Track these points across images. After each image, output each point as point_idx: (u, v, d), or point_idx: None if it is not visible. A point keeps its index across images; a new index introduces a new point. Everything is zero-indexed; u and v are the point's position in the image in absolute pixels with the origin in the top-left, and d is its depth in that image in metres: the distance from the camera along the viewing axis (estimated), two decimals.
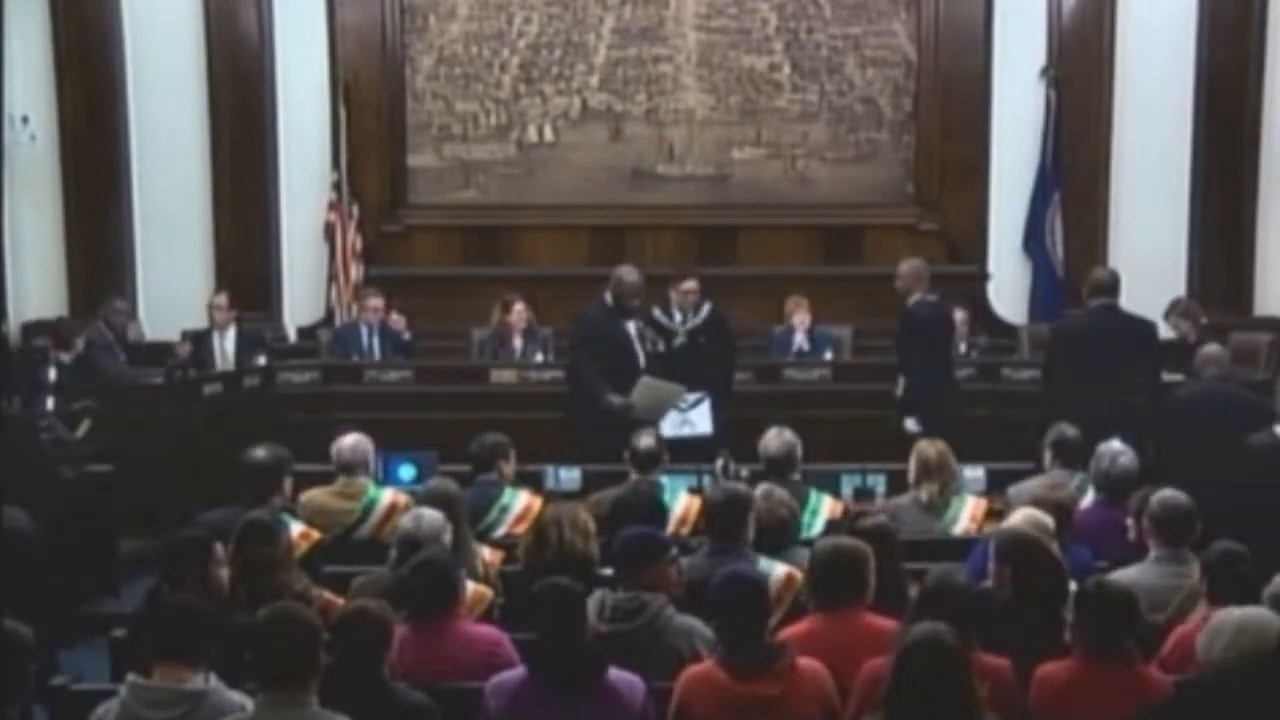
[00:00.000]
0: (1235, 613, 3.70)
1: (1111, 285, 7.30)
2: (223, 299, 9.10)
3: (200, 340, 9.10)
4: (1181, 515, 4.70)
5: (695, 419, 7.78)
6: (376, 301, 9.34)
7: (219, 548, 4.46)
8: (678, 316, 8.07)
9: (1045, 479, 5.42)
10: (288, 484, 5.45)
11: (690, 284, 8.09)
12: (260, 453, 5.38)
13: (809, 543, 5.17)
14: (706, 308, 8.10)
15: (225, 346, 9.01)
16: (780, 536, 4.99)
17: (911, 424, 7.54)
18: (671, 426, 7.59)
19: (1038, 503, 4.90)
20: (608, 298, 7.74)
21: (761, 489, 5.17)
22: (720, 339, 8.12)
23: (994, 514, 5.75)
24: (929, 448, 5.87)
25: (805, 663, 3.91)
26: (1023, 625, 4.16)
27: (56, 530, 6.53)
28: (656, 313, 8.09)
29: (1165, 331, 8.51)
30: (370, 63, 10.21)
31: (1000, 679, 3.80)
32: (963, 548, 5.21)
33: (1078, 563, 4.76)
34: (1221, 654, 3.60)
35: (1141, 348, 7.15)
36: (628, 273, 7.79)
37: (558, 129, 10.36)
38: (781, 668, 3.86)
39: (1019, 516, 4.70)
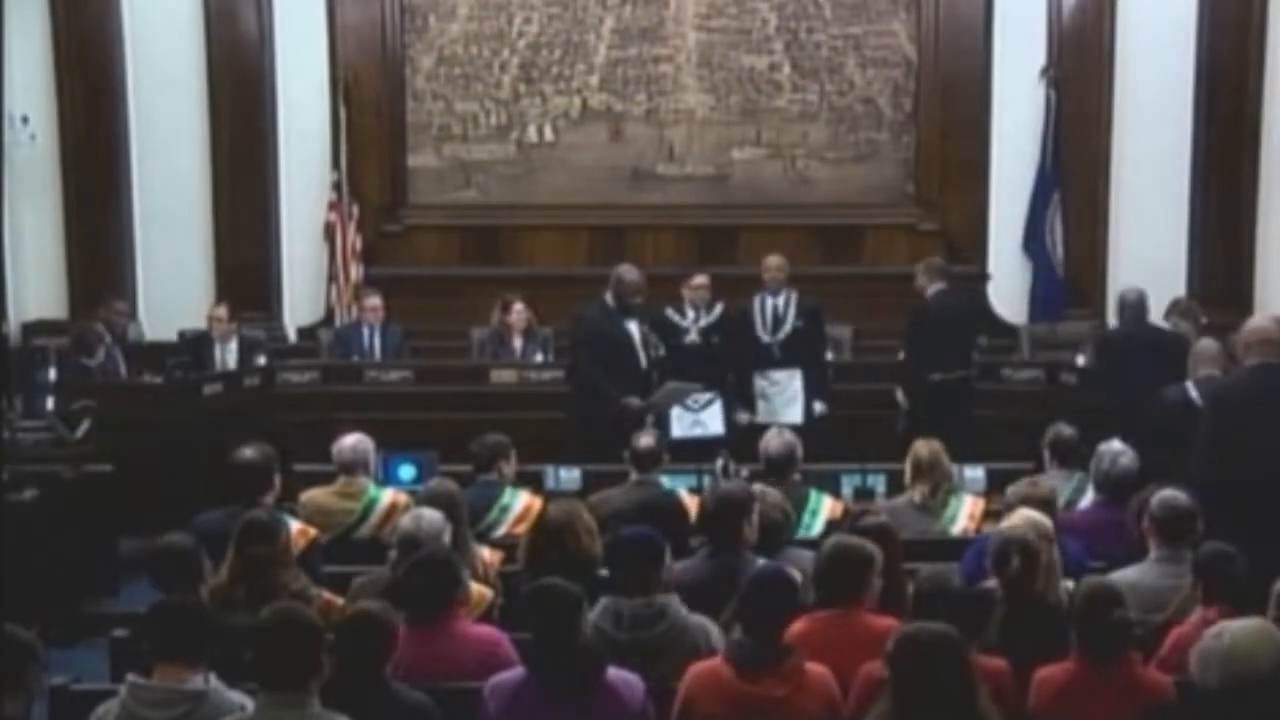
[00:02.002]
0: (1225, 637, 3.56)
1: (943, 270, 8.38)
2: (223, 311, 9.07)
3: (198, 343, 9.09)
4: (1182, 515, 4.70)
5: (706, 419, 7.82)
6: (375, 301, 9.35)
7: (206, 561, 4.50)
8: (690, 315, 8.10)
9: (1028, 478, 5.40)
10: (278, 482, 5.44)
11: (701, 279, 8.16)
12: (249, 452, 5.38)
13: (808, 543, 5.19)
14: (719, 308, 8.15)
15: (226, 358, 9.00)
16: (774, 539, 4.98)
17: (821, 407, 8.08)
18: (682, 427, 7.63)
19: (1027, 501, 4.91)
20: (609, 298, 7.76)
21: (754, 490, 5.16)
22: (734, 338, 8.16)
23: (992, 514, 5.75)
24: (923, 448, 5.88)
25: (812, 666, 3.90)
26: (1021, 627, 4.17)
27: (56, 530, 6.57)
28: (669, 312, 8.11)
29: None
30: (370, 63, 10.21)
31: (999, 682, 3.80)
32: (961, 548, 5.22)
33: (1070, 558, 4.76)
34: (1217, 683, 3.56)
35: (972, 324, 8.51)
36: (628, 271, 7.82)
37: (558, 129, 10.35)
38: (790, 669, 3.85)
39: (1018, 518, 4.69)
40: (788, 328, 8.14)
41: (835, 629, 4.15)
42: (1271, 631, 3.64)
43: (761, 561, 4.71)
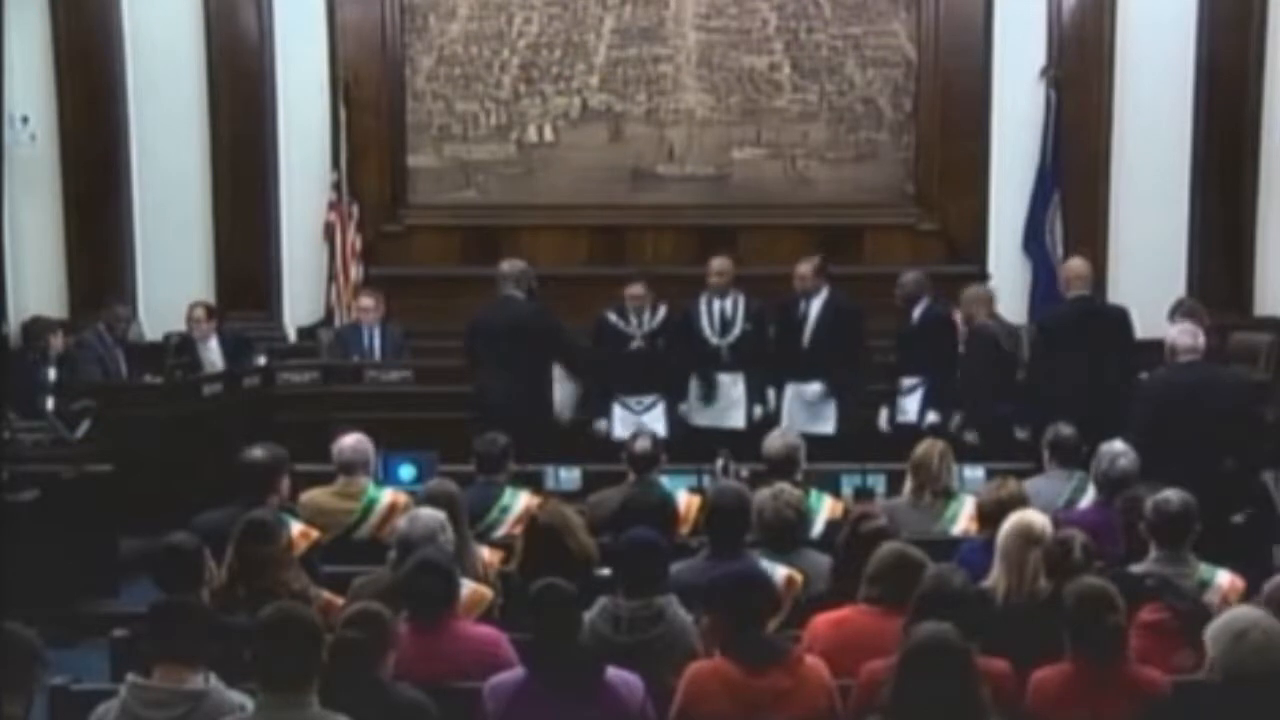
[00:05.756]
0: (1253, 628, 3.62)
1: (821, 269, 8.30)
2: (201, 311, 9.04)
3: (188, 345, 9.08)
4: (1177, 516, 4.70)
5: (649, 421, 7.81)
6: (368, 301, 9.33)
7: (210, 560, 4.51)
8: (633, 319, 8.08)
9: (998, 479, 5.42)
10: (284, 483, 5.45)
11: (636, 288, 8.16)
12: (258, 452, 5.39)
13: (810, 543, 5.20)
14: (662, 310, 8.14)
15: (210, 357, 8.97)
16: (786, 537, 4.98)
17: (760, 412, 8.10)
18: (625, 429, 7.64)
19: (999, 504, 4.94)
20: (517, 292, 7.88)
21: (775, 488, 5.16)
22: (680, 340, 8.17)
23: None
24: (920, 446, 5.90)
25: (810, 658, 3.95)
26: (1021, 628, 4.17)
27: (56, 530, 6.57)
28: (611, 316, 8.11)
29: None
30: (370, 63, 10.19)
31: (1001, 682, 3.81)
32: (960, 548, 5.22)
33: None
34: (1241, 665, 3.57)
35: (851, 330, 8.27)
36: (516, 262, 8.07)
37: (558, 129, 10.35)
38: (792, 662, 3.89)
39: (1015, 519, 4.69)
40: (736, 330, 8.11)
41: (876, 624, 4.18)
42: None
43: (765, 562, 4.72)
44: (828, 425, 7.93)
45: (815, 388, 8.02)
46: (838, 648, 4.08)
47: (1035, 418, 6.97)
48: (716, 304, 8.16)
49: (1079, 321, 7.45)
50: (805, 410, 7.99)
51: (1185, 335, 6.53)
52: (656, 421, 7.81)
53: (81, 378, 8.54)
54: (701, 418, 8.05)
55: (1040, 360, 7.59)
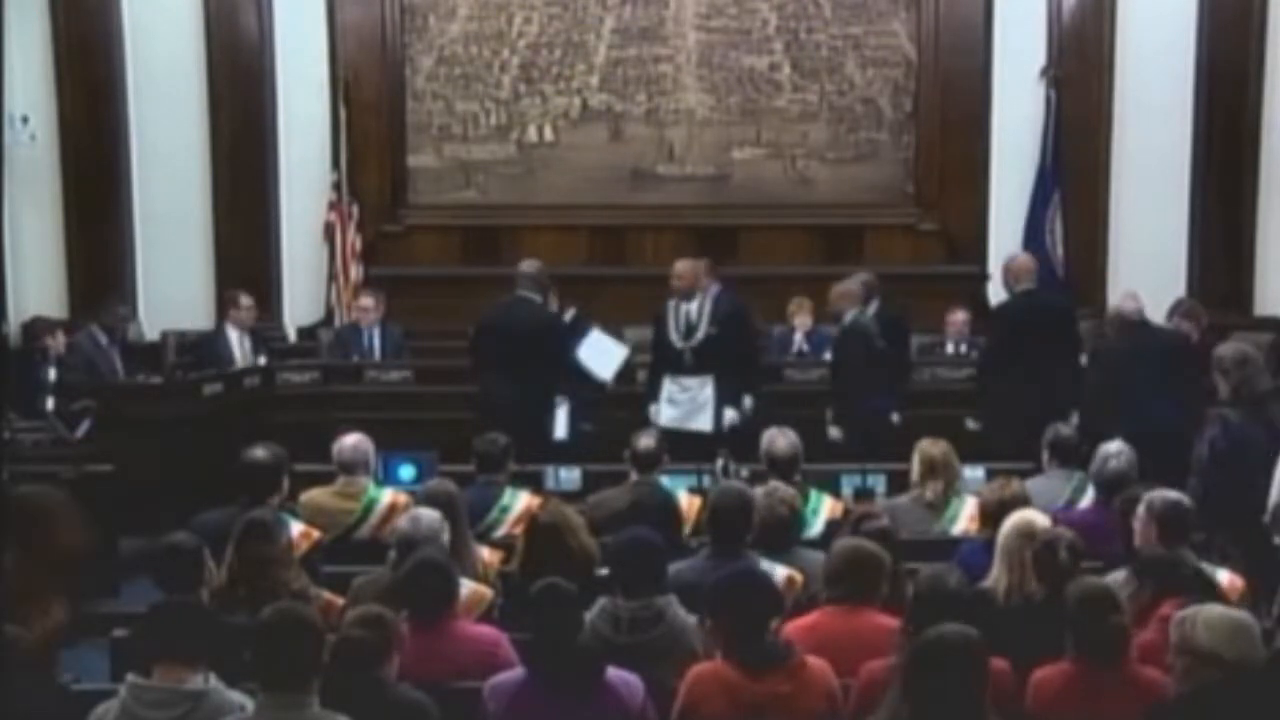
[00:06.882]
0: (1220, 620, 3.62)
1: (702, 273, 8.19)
2: (250, 300, 9.01)
3: (209, 341, 9.05)
4: (1181, 515, 4.71)
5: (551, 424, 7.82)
6: (367, 302, 9.32)
7: (210, 560, 4.51)
8: None
9: (1000, 479, 5.41)
10: (285, 483, 5.45)
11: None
12: (260, 452, 5.39)
13: (810, 543, 5.20)
14: (569, 313, 8.17)
15: (245, 347, 8.96)
16: (781, 536, 4.98)
17: (732, 415, 7.87)
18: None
19: (1003, 504, 4.94)
20: (535, 294, 7.76)
21: (768, 486, 5.17)
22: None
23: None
24: (933, 447, 5.87)
25: (813, 661, 3.94)
26: (1021, 628, 4.18)
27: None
28: None
29: None
30: (370, 63, 10.22)
31: (1001, 682, 3.80)
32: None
33: None
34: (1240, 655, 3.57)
35: (740, 333, 8.14)
36: (534, 263, 7.94)
37: (558, 129, 10.36)
38: (793, 666, 3.88)
39: (1016, 518, 4.69)
40: (700, 334, 8.00)
41: (846, 624, 4.20)
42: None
43: (765, 562, 4.71)
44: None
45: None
46: (813, 652, 4.06)
47: (988, 409, 7.60)
48: (683, 307, 8.07)
49: (1029, 315, 7.71)
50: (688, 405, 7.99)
51: (1129, 300, 7.19)
52: (560, 425, 7.73)
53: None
54: (668, 419, 7.98)
55: (993, 353, 7.98)
